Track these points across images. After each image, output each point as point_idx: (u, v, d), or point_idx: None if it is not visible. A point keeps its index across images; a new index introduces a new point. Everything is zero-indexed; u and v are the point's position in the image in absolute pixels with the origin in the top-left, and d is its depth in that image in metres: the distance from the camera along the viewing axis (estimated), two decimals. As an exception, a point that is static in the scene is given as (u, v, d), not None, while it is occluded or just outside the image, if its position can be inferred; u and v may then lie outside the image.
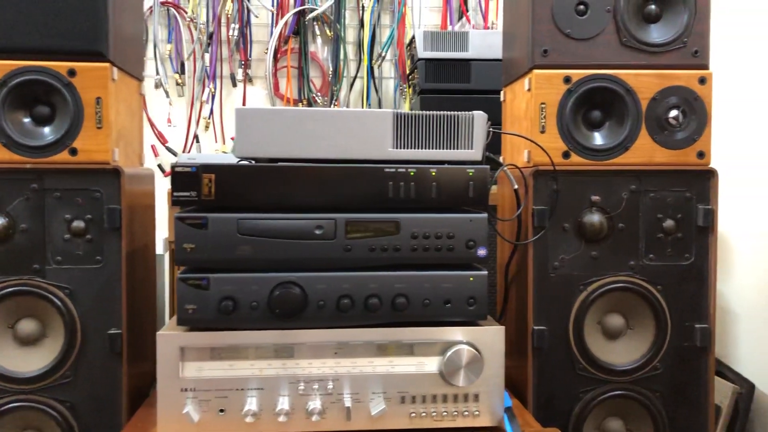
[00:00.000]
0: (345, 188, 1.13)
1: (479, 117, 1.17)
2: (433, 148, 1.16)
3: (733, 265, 1.83)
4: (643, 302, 1.34)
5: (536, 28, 1.31)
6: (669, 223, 1.34)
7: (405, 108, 2.33)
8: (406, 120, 1.16)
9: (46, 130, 1.26)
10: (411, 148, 1.16)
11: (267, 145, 1.13)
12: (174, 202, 1.09)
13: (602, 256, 1.33)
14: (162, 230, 1.70)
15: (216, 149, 2.33)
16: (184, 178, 1.10)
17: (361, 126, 1.14)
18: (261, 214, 1.11)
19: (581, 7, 1.31)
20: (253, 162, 1.15)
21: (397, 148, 1.15)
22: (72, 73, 1.24)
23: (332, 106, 2.34)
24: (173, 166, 1.09)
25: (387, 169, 1.13)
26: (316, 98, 2.34)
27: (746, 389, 1.71)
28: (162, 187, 1.78)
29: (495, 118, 1.88)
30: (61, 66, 1.24)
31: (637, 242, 1.34)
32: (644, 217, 1.34)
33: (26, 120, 1.26)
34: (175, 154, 2.29)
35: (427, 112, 1.16)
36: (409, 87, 2.25)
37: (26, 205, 1.25)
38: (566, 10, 1.31)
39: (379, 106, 2.36)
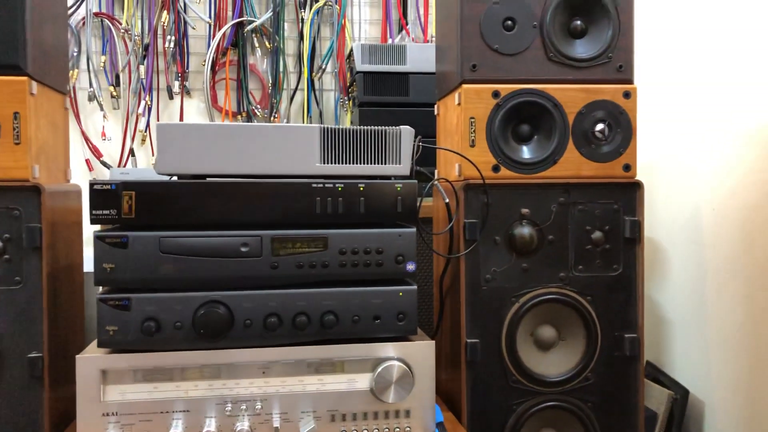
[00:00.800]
0: (271, 204, 1.12)
1: (407, 132, 1.17)
2: (361, 163, 1.15)
3: (665, 272, 1.88)
4: (574, 313, 1.35)
5: (465, 43, 1.33)
6: (597, 234, 1.36)
7: (347, 121, 2.33)
8: (333, 135, 1.15)
9: (-40, 146, 1.21)
10: (339, 163, 1.15)
11: (190, 161, 1.11)
12: (92, 220, 1.06)
13: (533, 268, 1.35)
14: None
15: (152, 163, 2.28)
16: (102, 196, 1.07)
17: (288, 141, 1.13)
18: (184, 231, 1.09)
19: (509, 22, 1.33)
20: (176, 178, 1.13)
21: (324, 163, 1.14)
22: (-13, 87, 1.20)
23: (272, 118, 2.32)
24: (91, 184, 1.06)
25: (314, 185, 1.12)
26: (256, 111, 2.32)
27: (681, 395, 1.75)
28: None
29: (433, 131, 1.90)
30: (-25, 80, 1.20)
31: (567, 254, 1.36)
32: (573, 229, 1.36)
33: (-63, 136, 1.21)
34: (109, 167, 2.24)
35: (354, 127, 1.16)
36: (350, 100, 2.25)
37: (-62, 225, 1.20)
38: (494, 26, 1.33)
39: (320, 119, 2.35)
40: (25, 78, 1.22)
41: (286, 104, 2.34)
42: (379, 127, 1.16)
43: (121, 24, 2.22)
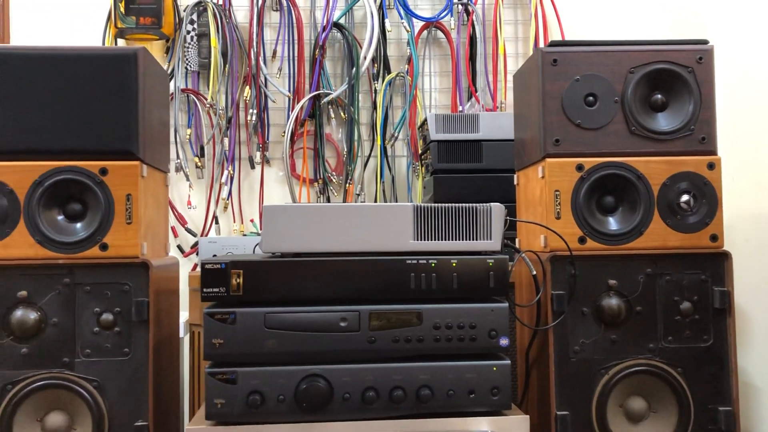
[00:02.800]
0: (368, 280, 1.16)
1: (497, 209, 1.21)
2: (453, 239, 1.19)
3: (753, 339, 1.83)
4: (665, 385, 1.34)
5: (547, 119, 1.37)
6: (686, 305, 1.36)
7: (418, 185, 2.38)
8: (426, 212, 1.20)
9: (78, 226, 1.31)
10: (432, 240, 1.19)
11: (292, 239, 1.17)
12: (204, 298, 1.12)
13: (621, 339, 1.35)
14: (182, 311, 1.72)
15: (234, 229, 2.38)
16: (213, 275, 1.13)
17: (383, 219, 1.18)
18: (287, 307, 1.14)
19: (590, 98, 1.37)
20: (280, 257, 1.19)
21: (417, 239, 1.19)
22: (104, 171, 1.30)
23: (347, 184, 2.40)
24: (203, 264, 1.13)
25: (408, 261, 1.17)
26: (332, 177, 2.40)
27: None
28: (182, 267, 1.81)
29: (507, 197, 1.93)
30: (93, 165, 1.30)
31: (656, 325, 1.35)
32: (661, 299, 1.36)
33: (59, 217, 1.31)
34: (194, 235, 2.34)
35: (446, 205, 1.20)
36: (422, 166, 2.31)
37: (58, 299, 1.29)
38: (576, 102, 1.37)
39: (393, 184, 2.42)
40: (137, 162, 1.32)
41: (360, 171, 2.42)
42: (470, 204, 1.20)
43: (206, 99, 2.35)
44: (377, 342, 1.14)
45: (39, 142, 1.30)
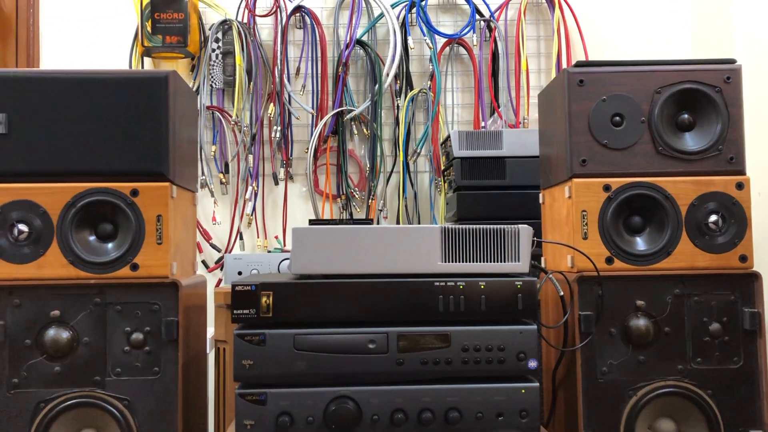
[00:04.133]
0: (396, 302, 1.17)
1: (525, 230, 1.21)
2: (481, 261, 1.20)
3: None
4: (694, 407, 1.33)
5: (574, 139, 1.37)
6: (715, 326, 1.35)
7: (441, 201, 2.39)
8: (454, 234, 1.20)
9: (109, 246, 1.33)
10: (459, 262, 1.20)
11: (321, 261, 1.18)
12: (234, 320, 1.14)
13: (650, 360, 1.34)
14: (207, 327, 1.74)
15: (258, 244, 2.40)
16: (244, 296, 1.15)
17: (411, 241, 1.19)
18: (316, 329, 1.15)
19: (617, 118, 1.37)
20: (308, 279, 1.20)
21: (445, 261, 1.19)
22: (135, 193, 1.32)
23: (369, 200, 2.41)
24: (233, 285, 1.14)
25: (437, 283, 1.17)
26: (354, 193, 2.42)
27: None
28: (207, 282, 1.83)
29: (531, 214, 1.93)
30: (124, 186, 1.32)
31: (684, 346, 1.34)
32: (690, 320, 1.35)
33: (91, 238, 1.33)
34: (219, 250, 2.36)
35: (474, 226, 1.21)
36: (444, 181, 2.32)
37: (89, 318, 1.31)
38: (603, 122, 1.37)
39: (415, 200, 2.43)
40: (167, 183, 1.34)
41: (382, 187, 2.43)
42: (498, 225, 1.21)
43: (230, 116, 2.38)
44: (406, 364, 1.15)
45: (71, 164, 1.32)
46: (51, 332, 1.30)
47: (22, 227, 1.30)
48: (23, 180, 1.31)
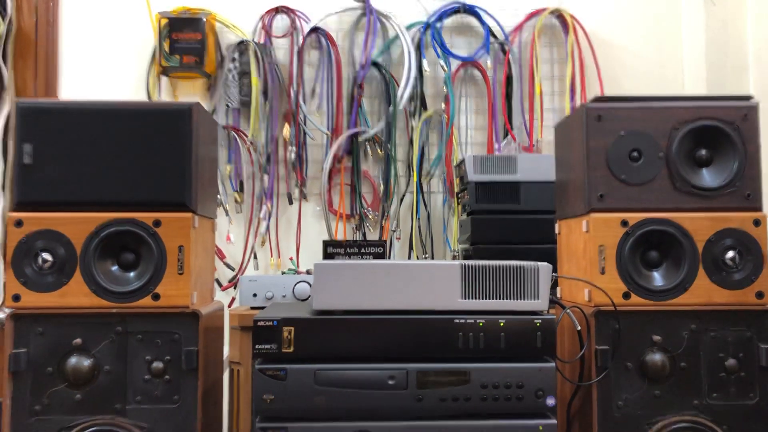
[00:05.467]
0: (416, 339, 1.18)
1: (544, 268, 1.22)
2: (500, 298, 1.21)
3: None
4: (710, 443, 1.34)
5: (591, 173, 1.38)
6: (731, 362, 1.35)
7: (454, 222, 2.40)
8: (473, 271, 1.21)
9: (131, 275, 1.35)
10: (479, 299, 1.21)
11: (342, 297, 1.19)
12: (255, 355, 1.15)
13: (665, 395, 1.35)
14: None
15: (272, 263, 2.41)
16: (265, 331, 1.16)
17: (431, 277, 1.20)
18: (337, 364, 1.16)
19: (635, 154, 1.38)
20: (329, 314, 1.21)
21: (465, 298, 1.21)
22: (157, 223, 1.34)
23: (383, 220, 2.42)
24: (255, 321, 1.16)
25: (456, 320, 1.19)
26: (368, 213, 2.43)
27: None
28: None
29: (545, 238, 1.94)
30: (147, 217, 1.34)
31: (700, 381, 1.35)
32: (706, 356, 1.35)
33: (113, 267, 1.35)
34: (232, 269, 2.38)
35: (493, 263, 1.22)
36: (458, 204, 2.33)
37: (111, 347, 1.33)
38: (621, 158, 1.38)
39: (428, 221, 2.44)
40: (189, 214, 1.35)
41: (395, 207, 2.44)
42: (518, 262, 1.22)
43: (246, 136, 2.40)
44: (425, 400, 1.16)
45: (95, 194, 1.34)
46: (73, 360, 1.31)
47: (46, 256, 1.32)
48: (48, 210, 1.33)
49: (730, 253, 1.36)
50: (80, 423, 1.31)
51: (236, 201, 2.41)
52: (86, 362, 1.32)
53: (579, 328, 1.34)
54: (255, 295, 1.94)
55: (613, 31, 2.52)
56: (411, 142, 2.44)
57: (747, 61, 2.22)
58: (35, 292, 1.32)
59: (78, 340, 1.32)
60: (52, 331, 1.32)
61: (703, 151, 1.39)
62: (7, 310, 1.34)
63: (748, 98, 1.41)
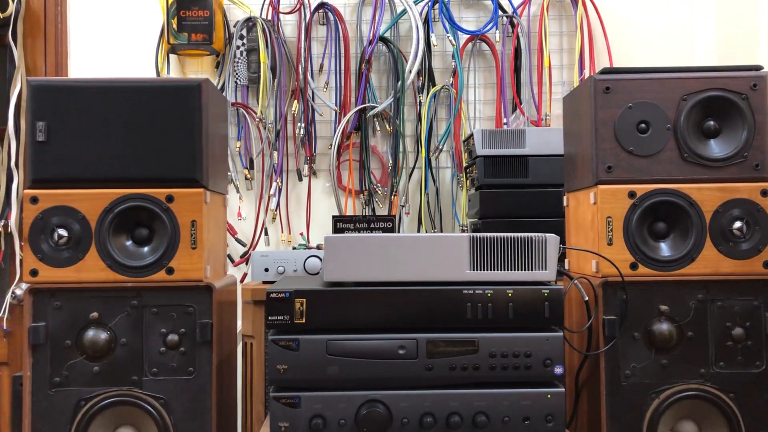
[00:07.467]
0: (426, 309, 1.20)
1: (552, 239, 1.23)
2: (508, 270, 1.22)
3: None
4: (716, 410, 1.35)
5: (600, 146, 1.39)
6: (738, 331, 1.37)
7: (463, 197, 2.41)
8: (482, 242, 1.23)
9: (145, 250, 1.37)
10: (487, 270, 1.22)
11: (353, 269, 1.21)
12: (268, 326, 1.17)
13: (672, 364, 1.36)
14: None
15: (282, 239, 2.44)
16: (278, 303, 1.18)
17: (440, 249, 1.22)
18: (348, 335, 1.18)
19: (642, 125, 1.38)
20: (340, 286, 1.23)
21: (473, 269, 1.22)
22: (170, 199, 1.36)
23: (392, 196, 2.43)
24: (268, 293, 1.18)
25: (465, 291, 1.20)
26: (377, 189, 2.44)
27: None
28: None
29: (553, 212, 1.95)
30: (160, 192, 1.36)
31: (707, 350, 1.37)
32: (713, 325, 1.37)
33: (128, 242, 1.37)
34: (244, 245, 2.41)
35: (502, 235, 1.23)
36: (467, 178, 2.34)
37: (126, 320, 1.36)
38: (628, 129, 1.38)
39: (437, 196, 2.45)
40: (201, 189, 1.37)
41: (404, 182, 2.45)
42: (525, 234, 1.23)
43: (255, 113, 2.41)
44: (434, 369, 1.18)
45: (108, 171, 1.36)
46: (90, 333, 1.35)
47: (62, 232, 1.34)
48: (62, 186, 1.35)
49: (738, 224, 1.37)
50: (98, 394, 1.34)
51: (246, 178, 2.42)
52: (103, 335, 1.35)
53: (587, 298, 1.36)
54: (267, 269, 1.97)
55: (622, 3, 2.49)
56: (419, 117, 2.44)
57: (758, 32, 2.20)
58: (52, 267, 1.34)
59: (95, 314, 1.35)
60: (69, 305, 1.35)
61: (712, 122, 1.39)
62: (25, 286, 1.37)
63: (757, 68, 1.40)
